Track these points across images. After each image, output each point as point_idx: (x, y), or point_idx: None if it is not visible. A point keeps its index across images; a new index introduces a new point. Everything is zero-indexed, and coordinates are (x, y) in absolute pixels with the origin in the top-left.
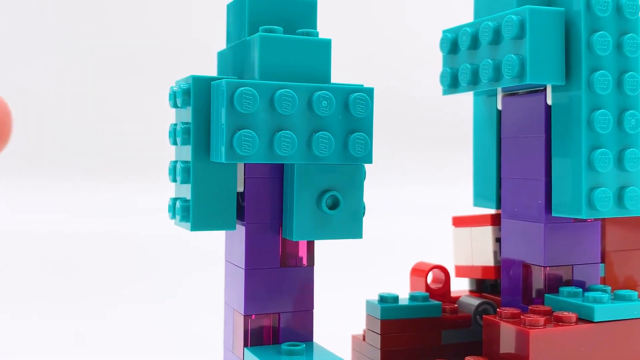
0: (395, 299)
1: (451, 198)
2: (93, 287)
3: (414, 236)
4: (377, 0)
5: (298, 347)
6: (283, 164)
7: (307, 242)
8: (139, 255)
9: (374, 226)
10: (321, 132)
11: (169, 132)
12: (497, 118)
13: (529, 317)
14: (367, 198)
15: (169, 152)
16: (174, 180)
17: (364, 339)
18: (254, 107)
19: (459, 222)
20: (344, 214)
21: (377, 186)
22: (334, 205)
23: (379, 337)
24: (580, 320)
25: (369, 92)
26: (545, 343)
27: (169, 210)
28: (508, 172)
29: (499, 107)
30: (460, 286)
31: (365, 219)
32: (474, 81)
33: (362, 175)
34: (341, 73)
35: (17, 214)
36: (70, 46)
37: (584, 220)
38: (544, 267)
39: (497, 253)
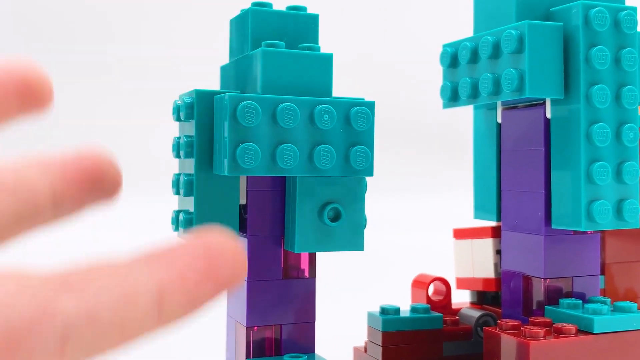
0: (397, 310)
1: (452, 210)
2: None
3: (415, 248)
4: (378, 14)
5: (300, 359)
6: (285, 177)
7: (309, 254)
8: None
9: (375, 238)
10: (323, 145)
11: (172, 145)
12: (497, 131)
13: (529, 328)
14: (368, 210)
15: (172, 165)
16: (177, 192)
17: (365, 351)
18: (256, 121)
19: (460, 234)
20: (345, 226)
21: (378, 199)
22: (336, 217)
23: (380, 348)
24: (580, 331)
25: (370, 105)
26: (545, 354)
27: (172, 223)
28: (508, 184)
29: (499, 120)
30: (461, 298)
31: (366, 231)
32: (474, 95)
33: (363, 187)
34: (342, 87)
35: None
36: (73, 60)
37: (584, 233)
38: (544, 279)
39: (497, 265)
